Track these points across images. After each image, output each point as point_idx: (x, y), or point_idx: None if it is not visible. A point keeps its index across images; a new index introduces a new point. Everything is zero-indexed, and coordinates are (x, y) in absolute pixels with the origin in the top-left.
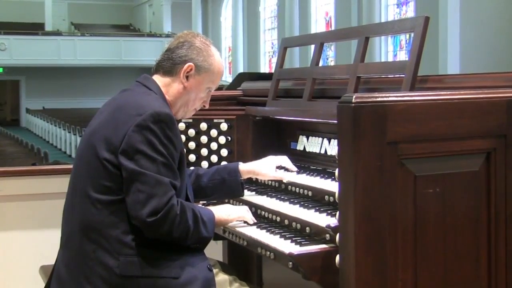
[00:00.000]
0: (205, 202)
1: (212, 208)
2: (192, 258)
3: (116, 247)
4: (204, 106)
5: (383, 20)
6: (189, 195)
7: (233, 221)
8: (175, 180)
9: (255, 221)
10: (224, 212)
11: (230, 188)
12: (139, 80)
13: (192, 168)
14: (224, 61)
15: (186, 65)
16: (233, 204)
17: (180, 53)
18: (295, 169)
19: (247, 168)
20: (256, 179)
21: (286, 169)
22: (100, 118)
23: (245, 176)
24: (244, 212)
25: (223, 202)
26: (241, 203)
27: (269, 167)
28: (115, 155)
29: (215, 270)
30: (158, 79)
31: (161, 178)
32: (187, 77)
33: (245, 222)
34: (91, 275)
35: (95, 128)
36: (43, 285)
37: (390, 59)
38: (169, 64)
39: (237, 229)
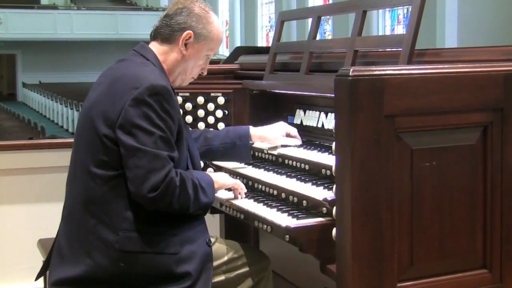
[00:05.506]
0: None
1: (211, 174)
2: (191, 233)
3: (116, 222)
4: (202, 73)
5: None
6: (189, 164)
7: (230, 185)
8: (173, 152)
9: (244, 196)
10: (221, 177)
11: (239, 152)
12: (136, 49)
13: (200, 130)
14: None
15: (185, 32)
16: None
17: (179, 20)
18: (299, 142)
19: (258, 133)
20: (254, 153)
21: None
22: (98, 91)
23: (255, 141)
24: (240, 183)
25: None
26: (238, 177)
27: (279, 133)
28: (112, 129)
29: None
30: (155, 47)
31: (159, 152)
32: (185, 45)
33: (233, 192)
34: (91, 249)
35: (93, 101)
36: (41, 258)
37: (388, 33)
38: (167, 31)
39: (234, 202)
